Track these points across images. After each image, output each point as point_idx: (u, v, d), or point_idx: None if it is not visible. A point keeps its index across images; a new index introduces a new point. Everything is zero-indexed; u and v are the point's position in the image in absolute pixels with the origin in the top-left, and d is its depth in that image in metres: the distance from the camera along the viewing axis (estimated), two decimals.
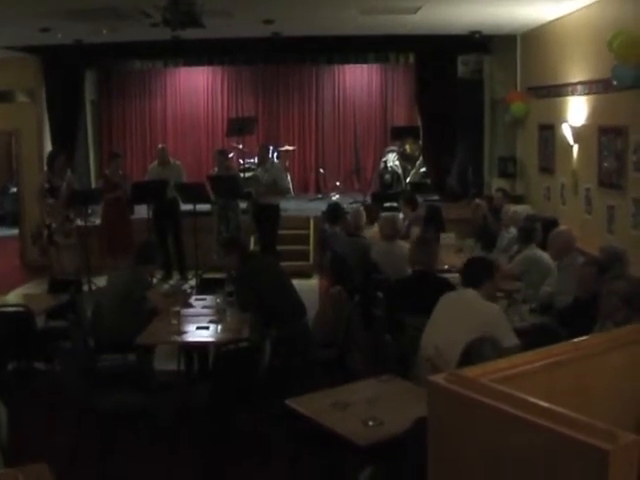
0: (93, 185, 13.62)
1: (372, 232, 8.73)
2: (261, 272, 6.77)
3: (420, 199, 11.01)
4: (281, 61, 14.25)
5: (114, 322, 6.63)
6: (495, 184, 12.26)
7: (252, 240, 12.00)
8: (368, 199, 12.72)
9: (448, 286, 6.06)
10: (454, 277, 7.05)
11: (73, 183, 10.83)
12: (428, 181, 13.52)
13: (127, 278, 6.91)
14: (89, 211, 11.37)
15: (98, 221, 11.60)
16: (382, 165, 14.52)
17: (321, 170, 15.83)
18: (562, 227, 7.47)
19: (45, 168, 11.20)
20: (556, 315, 5.89)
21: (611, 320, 4.70)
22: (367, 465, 4.18)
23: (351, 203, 12.51)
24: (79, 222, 10.80)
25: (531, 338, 5.07)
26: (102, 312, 6.86)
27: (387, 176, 14.23)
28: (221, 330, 6.16)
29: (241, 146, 13.60)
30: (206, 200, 10.92)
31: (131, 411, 5.58)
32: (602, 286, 5.04)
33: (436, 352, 4.84)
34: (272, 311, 6.46)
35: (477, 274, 5.36)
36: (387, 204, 11.36)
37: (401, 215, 9.85)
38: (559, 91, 9.74)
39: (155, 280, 10.83)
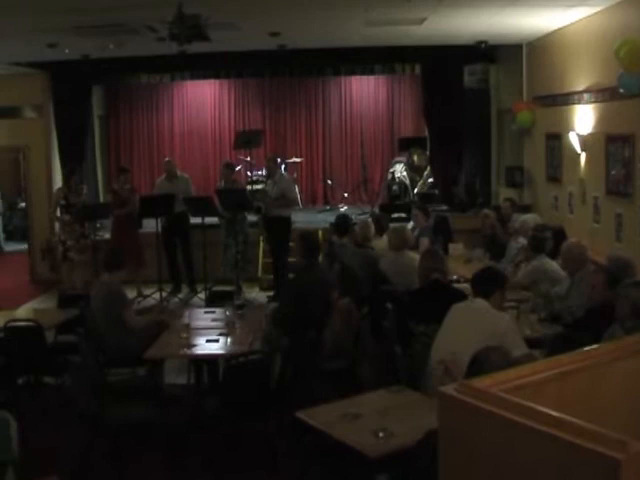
0: (101, 200, 13.68)
1: (381, 243, 8.71)
2: (307, 286, 6.74)
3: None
4: (287, 73, 14.25)
5: (105, 336, 6.69)
6: (503, 194, 12.25)
7: (261, 253, 12.02)
8: (376, 210, 12.72)
9: (463, 297, 6.03)
10: (463, 287, 7.04)
11: (86, 199, 10.91)
12: (436, 192, 13.48)
13: (102, 291, 6.94)
14: (98, 225, 11.41)
15: (107, 235, 11.63)
16: (390, 176, 14.51)
17: (329, 182, 15.83)
18: (572, 239, 7.34)
19: (61, 184, 11.28)
20: (570, 325, 5.86)
21: (620, 326, 4.69)
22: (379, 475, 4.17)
23: (359, 214, 12.51)
24: (92, 237, 10.85)
25: (551, 347, 5.05)
26: (96, 328, 6.89)
27: (395, 187, 14.22)
28: (231, 343, 6.17)
29: (249, 158, 13.62)
30: (214, 213, 10.92)
31: (141, 424, 5.58)
32: (614, 293, 5.03)
33: (451, 357, 4.81)
34: (293, 322, 6.44)
35: (488, 284, 5.36)
36: (395, 215, 11.36)
37: (410, 225, 9.85)
38: (566, 100, 9.73)
39: (165, 293, 10.93)
